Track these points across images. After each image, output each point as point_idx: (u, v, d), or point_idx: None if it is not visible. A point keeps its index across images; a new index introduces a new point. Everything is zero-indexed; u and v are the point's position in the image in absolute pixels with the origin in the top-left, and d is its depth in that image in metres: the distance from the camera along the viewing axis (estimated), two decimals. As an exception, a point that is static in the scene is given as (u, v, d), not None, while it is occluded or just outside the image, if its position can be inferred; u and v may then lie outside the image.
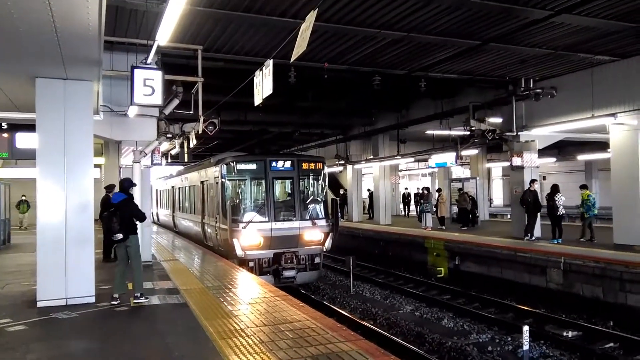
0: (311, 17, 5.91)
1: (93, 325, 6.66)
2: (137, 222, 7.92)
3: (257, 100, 8.72)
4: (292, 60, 6.73)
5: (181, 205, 20.69)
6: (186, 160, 22.34)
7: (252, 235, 12.27)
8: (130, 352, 5.52)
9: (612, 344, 9.20)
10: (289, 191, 13.46)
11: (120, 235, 7.49)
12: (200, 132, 10.83)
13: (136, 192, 10.53)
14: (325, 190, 13.84)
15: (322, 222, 13.11)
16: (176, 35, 9.70)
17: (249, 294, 8.29)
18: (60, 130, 7.50)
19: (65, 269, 7.42)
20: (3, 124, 11.67)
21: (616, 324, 10.25)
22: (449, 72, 14.47)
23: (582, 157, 30.23)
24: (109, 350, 5.61)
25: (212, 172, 14.18)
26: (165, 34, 7.39)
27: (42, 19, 5.06)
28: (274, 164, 12.95)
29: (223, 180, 13.03)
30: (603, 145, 19.32)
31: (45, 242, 7.39)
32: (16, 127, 11.36)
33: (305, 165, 13.32)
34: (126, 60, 10.75)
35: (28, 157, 10.73)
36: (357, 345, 5.38)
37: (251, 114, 19.27)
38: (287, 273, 12.36)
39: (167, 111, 10.56)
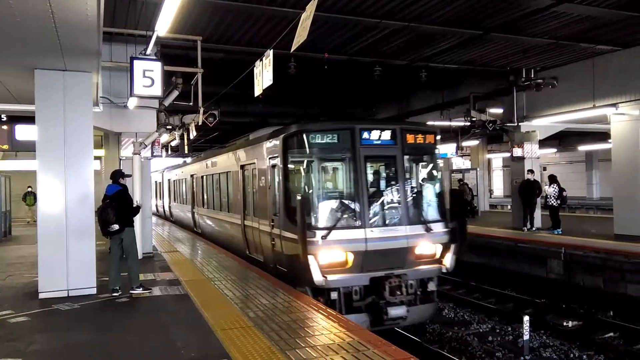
0: (311, 6, 5.87)
1: (95, 316, 6.68)
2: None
3: (257, 91, 8.69)
4: (292, 50, 6.70)
5: (205, 200, 16.10)
6: (186, 152, 22.24)
7: (335, 249, 7.99)
8: (133, 342, 5.54)
9: (612, 334, 9.23)
10: (390, 178, 8.94)
11: (116, 226, 7.46)
12: (200, 123, 10.82)
13: (136, 184, 10.57)
14: (440, 178, 9.55)
15: (440, 228, 8.66)
16: (175, 26, 9.66)
17: (250, 285, 8.30)
18: (59, 122, 7.48)
19: (67, 260, 7.44)
20: (2, 116, 11.66)
21: (616, 314, 10.29)
22: (450, 62, 14.41)
23: (583, 148, 30.19)
24: (111, 341, 5.63)
25: (265, 151, 9.70)
26: (164, 25, 7.36)
27: (41, 9, 5.03)
28: (366, 134, 8.43)
29: (286, 162, 8.69)
30: (604, 136, 19.29)
31: (46, 233, 7.41)
32: (16, 119, 11.36)
33: (411, 138, 8.77)
34: (125, 52, 10.72)
35: (28, 149, 10.74)
36: (358, 336, 5.40)
37: (251, 106, 19.23)
38: (394, 311, 7.92)
39: (166, 102, 10.54)
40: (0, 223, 16.16)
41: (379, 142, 8.55)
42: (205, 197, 16.13)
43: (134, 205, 8.13)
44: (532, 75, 14.98)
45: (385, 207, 8.58)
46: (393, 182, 8.75)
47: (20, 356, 5.08)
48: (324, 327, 5.74)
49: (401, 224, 8.36)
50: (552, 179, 14.50)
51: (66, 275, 7.46)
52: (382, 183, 9.04)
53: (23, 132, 11.33)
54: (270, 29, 10.84)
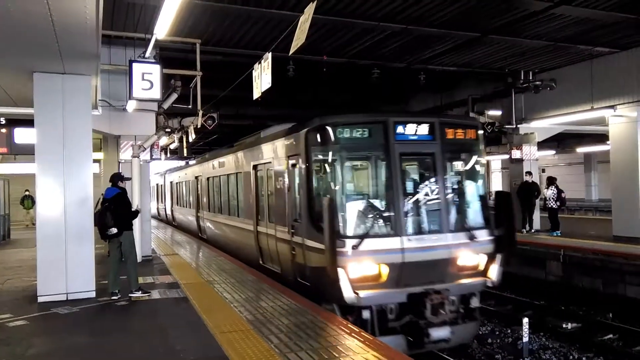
0: (310, 9, 5.88)
1: (94, 319, 6.67)
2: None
3: (256, 94, 8.69)
4: (290, 53, 6.71)
5: (212, 203, 15.03)
6: (185, 154, 22.09)
7: (368, 261, 6.97)
8: (132, 346, 5.53)
9: (611, 336, 9.23)
10: (428, 179, 7.73)
11: (114, 230, 7.46)
12: (199, 126, 10.81)
13: (135, 187, 10.57)
14: (484, 178, 8.38)
15: (484, 236, 7.60)
16: (174, 29, 9.66)
17: (249, 288, 8.29)
18: (58, 125, 7.49)
19: (66, 264, 7.43)
20: (1, 119, 11.64)
21: (615, 316, 10.28)
22: (449, 64, 14.44)
23: (582, 150, 30.19)
24: (110, 345, 5.62)
25: (283, 149, 8.81)
26: (163, 28, 7.35)
27: (39, 13, 5.03)
28: (400, 128, 7.40)
29: (309, 160, 7.70)
30: (602, 138, 19.32)
31: (45, 237, 7.40)
32: (15, 122, 11.34)
33: (450, 133, 7.74)
34: (124, 55, 10.72)
35: (27, 152, 10.72)
36: (358, 339, 5.40)
37: (250, 108, 19.22)
38: (436, 333, 6.88)
39: (165, 105, 10.54)
40: (-1, 226, 16.15)
41: (415, 137, 7.49)
42: (211, 200, 15.12)
43: (133, 210, 8.13)
44: (531, 77, 15.03)
45: (424, 213, 7.47)
46: (432, 184, 7.60)
47: (19, 360, 5.08)
48: (324, 330, 5.73)
49: (442, 231, 7.30)
50: (551, 181, 14.51)
51: (65, 279, 7.45)
52: (420, 185, 7.79)
53: (22, 135, 11.30)
54: (269, 31, 10.86)
